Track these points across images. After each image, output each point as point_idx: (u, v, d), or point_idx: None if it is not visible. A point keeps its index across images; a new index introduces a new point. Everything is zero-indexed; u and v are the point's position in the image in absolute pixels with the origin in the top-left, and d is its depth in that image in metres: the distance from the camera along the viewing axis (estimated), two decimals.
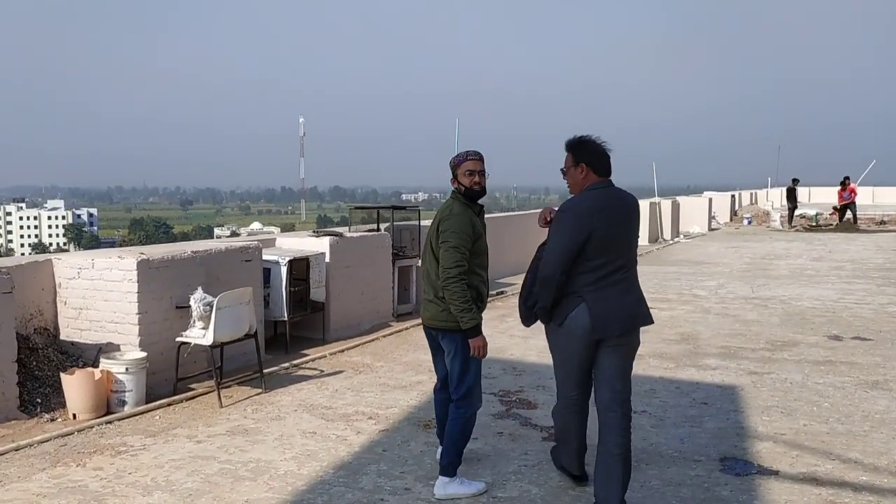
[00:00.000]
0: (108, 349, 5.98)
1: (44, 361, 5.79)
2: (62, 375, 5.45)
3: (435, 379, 4.64)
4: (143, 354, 5.80)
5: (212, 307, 5.72)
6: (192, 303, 5.72)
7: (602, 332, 3.83)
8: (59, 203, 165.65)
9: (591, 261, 3.80)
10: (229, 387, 6.37)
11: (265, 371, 6.87)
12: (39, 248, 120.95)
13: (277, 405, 5.92)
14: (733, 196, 31.81)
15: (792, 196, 26.89)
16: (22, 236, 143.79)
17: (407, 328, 9.12)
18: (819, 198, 40.81)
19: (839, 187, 25.57)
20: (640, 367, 7.08)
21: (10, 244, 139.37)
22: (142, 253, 6.04)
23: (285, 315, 7.78)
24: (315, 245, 8.49)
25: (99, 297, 6.05)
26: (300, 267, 7.99)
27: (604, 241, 3.80)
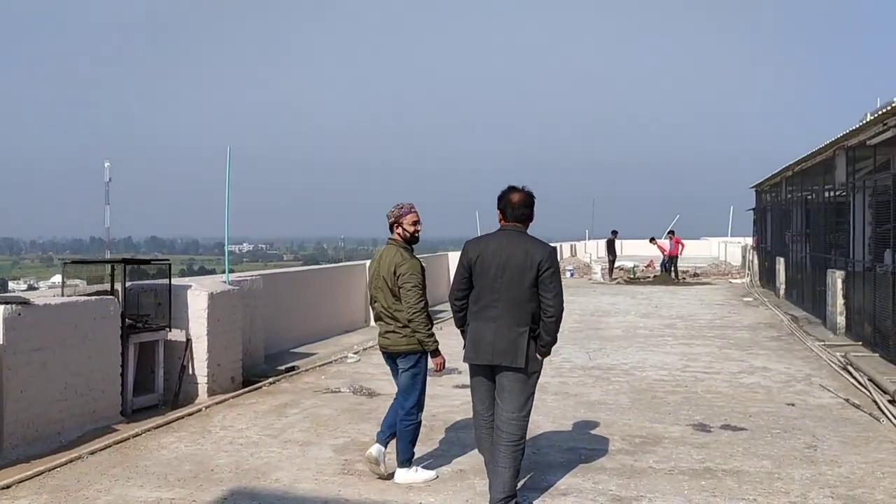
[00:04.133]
0: None
1: None
2: None
3: None
4: None
5: None
6: None
7: (472, 359, 4.60)
8: None
9: (474, 291, 4.60)
10: None
11: None
12: None
13: None
14: (554, 247, 31.32)
15: (612, 248, 26.60)
16: None
17: (138, 434, 6.35)
18: (631, 250, 41.80)
19: (666, 240, 25.57)
20: (460, 497, 4.87)
21: None
22: None
23: None
24: None
25: None
26: None
27: (478, 277, 4.56)
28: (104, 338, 6.59)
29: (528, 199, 4.67)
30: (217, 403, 7.51)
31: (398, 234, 5.10)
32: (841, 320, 11.86)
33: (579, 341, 11.76)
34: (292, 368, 9.34)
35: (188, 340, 7.71)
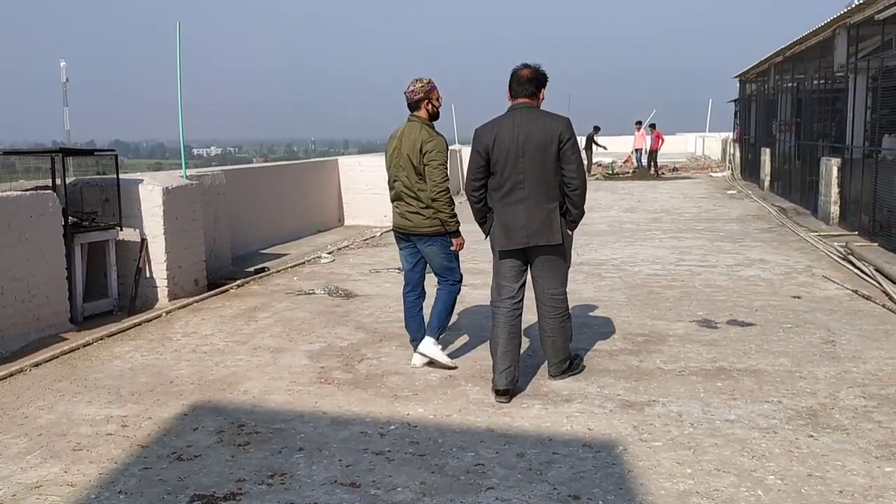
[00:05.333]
0: None
1: None
2: None
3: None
4: None
5: None
6: None
7: (504, 245, 4.43)
8: None
9: (495, 178, 4.40)
10: None
11: None
12: None
13: None
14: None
15: (590, 145, 25.84)
16: None
17: (89, 343, 5.73)
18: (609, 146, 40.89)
19: (647, 131, 24.67)
20: (452, 406, 4.36)
21: None
22: None
23: None
24: None
25: None
26: None
27: (498, 161, 4.35)
28: (44, 237, 5.85)
29: (536, 75, 4.44)
30: (179, 308, 6.88)
31: (427, 109, 4.85)
32: (835, 210, 11.42)
33: None
34: (262, 270, 8.70)
35: (143, 240, 6.98)
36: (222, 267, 8.57)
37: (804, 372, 4.77)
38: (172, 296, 7.13)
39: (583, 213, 4.46)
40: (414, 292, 5.13)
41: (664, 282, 7.76)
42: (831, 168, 11.42)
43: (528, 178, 4.29)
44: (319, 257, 9.61)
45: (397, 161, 4.86)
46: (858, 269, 7.94)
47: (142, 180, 7.07)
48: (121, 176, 6.96)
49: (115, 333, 6.04)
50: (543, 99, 4.52)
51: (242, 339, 5.86)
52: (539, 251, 4.40)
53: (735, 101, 26.40)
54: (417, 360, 4.98)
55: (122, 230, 6.86)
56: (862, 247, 9.03)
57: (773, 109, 18.11)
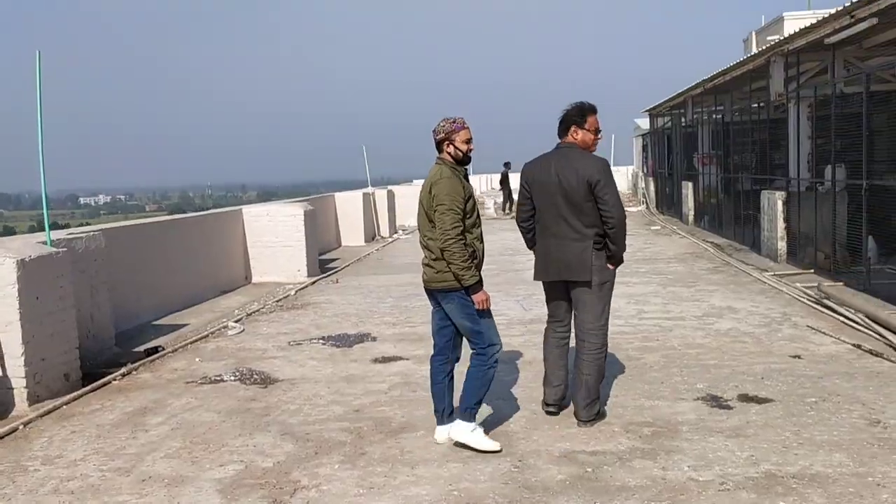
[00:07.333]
0: None
1: None
2: None
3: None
4: None
5: None
6: None
7: (542, 277, 4.72)
8: None
9: (536, 212, 4.67)
10: None
11: None
12: None
13: None
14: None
15: (505, 181, 25.17)
16: None
17: None
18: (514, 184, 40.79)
19: None
20: None
21: None
22: None
23: None
24: None
25: None
26: None
27: (537, 197, 4.63)
28: None
29: (565, 113, 4.64)
30: (43, 415, 5.28)
31: (448, 153, 4.40)
32: (782, 246, 10.81)
33: (502, 286, 10.17)
34: (155, 350, 7.11)
35: None
36: (103, 350, 6.95)
37: (876, 474, 3.72)
38: (34, 399, 5.50)
39: (623, 248, 4.52)
40: (440, 357, 4.51)
41: (637, 342, 6.72)
42: (775, 202, 10.84)
43: (562, 216, 4.47)
44: (226, 327, 8.10)
45: (420, 207, 4.43)
46: (842, 314, 7.15)
47: None
48: None
49: None
50: (591, 130, 4.59)
51: (126, 463, 4.35)
52: (576, 286, 4.51)
53: (644, 135, 26.40)
54: (440, 435, 4.44)
55: None
56: (831, 287, 8.31)
57: (693, 142, 17.82)
